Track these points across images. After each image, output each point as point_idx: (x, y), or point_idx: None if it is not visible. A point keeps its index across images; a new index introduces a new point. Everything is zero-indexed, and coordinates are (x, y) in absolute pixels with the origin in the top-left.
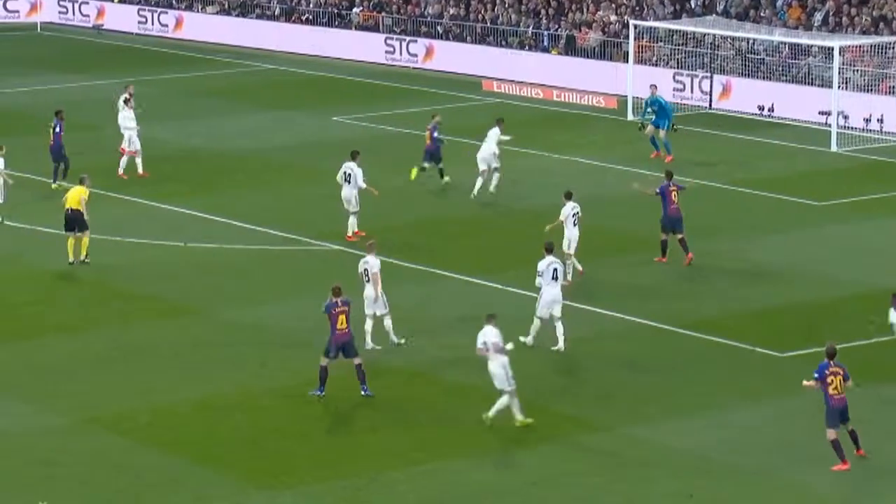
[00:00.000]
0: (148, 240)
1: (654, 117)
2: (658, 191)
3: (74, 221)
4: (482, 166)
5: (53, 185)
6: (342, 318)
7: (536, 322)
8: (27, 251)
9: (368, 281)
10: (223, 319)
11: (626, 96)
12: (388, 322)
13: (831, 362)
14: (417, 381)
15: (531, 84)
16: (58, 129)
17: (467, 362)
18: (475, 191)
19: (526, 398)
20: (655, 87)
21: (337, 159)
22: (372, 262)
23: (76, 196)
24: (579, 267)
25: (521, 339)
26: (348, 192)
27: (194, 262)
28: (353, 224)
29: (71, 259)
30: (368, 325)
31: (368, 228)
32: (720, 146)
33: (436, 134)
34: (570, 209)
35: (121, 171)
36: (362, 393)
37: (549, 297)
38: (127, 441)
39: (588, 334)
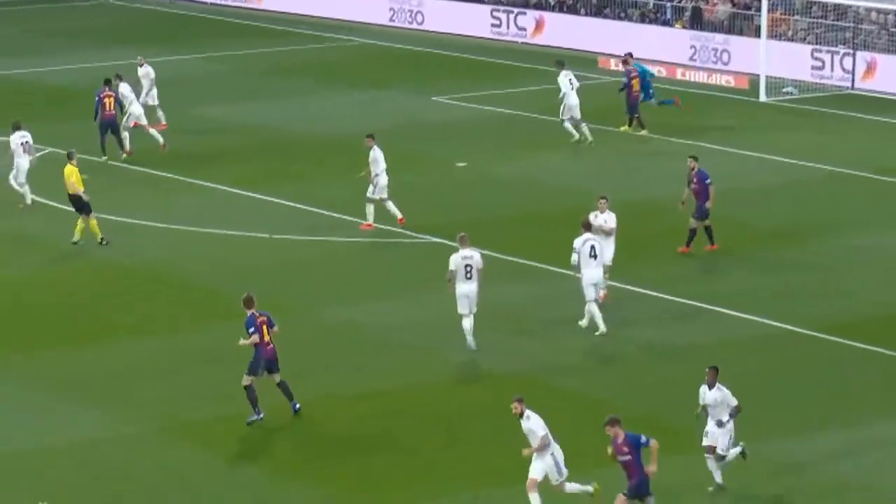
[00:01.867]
0: (230, 231)
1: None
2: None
3: (74, 203)
4: (577, 114)
5: (117, 155)
6: (265, 329)
7: (592, 307)
8: (96, 245)
9: (470, 277)
10: (311, 319)
11: (758, 75)
12: (470, 322)
13: None
14: (525, 388)
15: (652, 61)
16: (113, 99)
17: (574, 369)
18: (589, 137)
19: (644, 413)
20: (631, 55)
21: (436, 143)
22: (476, 258)
23: (68, 176)
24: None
25: (579, 321)
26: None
27: (280, 255)
28: (393, 209)
29: (76, 239)
30: (467, 323)
31: (465, 219)
32: (863, 130)
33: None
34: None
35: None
36: (294, 409)
37: (589, 278)
38: (203, 452)
39: (716, 339)
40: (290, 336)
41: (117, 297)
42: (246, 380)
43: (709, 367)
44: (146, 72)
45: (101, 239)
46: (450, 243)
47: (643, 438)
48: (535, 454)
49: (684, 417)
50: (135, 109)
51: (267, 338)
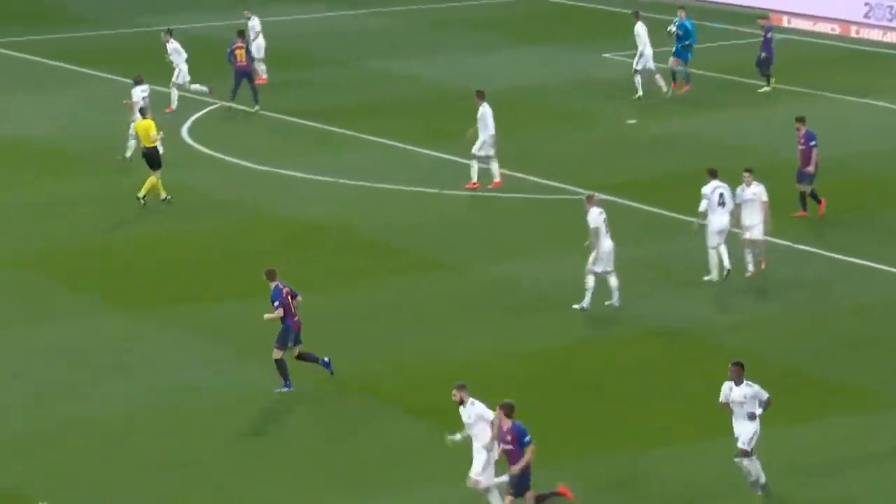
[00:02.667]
0: (401, 186)
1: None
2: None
3: (147, 159)
4: (651, 65)
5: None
6: (290, 301)
7: (712, 254)
8: (275, 198)
9: (608, 233)
10: (475, 276)
11: None
12: (614, 280)
13: None
14: (688, 345)
15: (826, 19)
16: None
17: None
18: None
19: (812, 372)
20: (684, 9)
21: (606, 101)
22: (604, 216)
23: (142, 131)
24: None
25: (706, 277)
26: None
27: (448, 211)
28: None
29: (164, 195)
30: (591, 282)
31: (633, 176)
32: None
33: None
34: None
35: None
36: (329, 367)
37: (718, 225)
38: (370, 405)
39: (881, 298)
40: (455, 291)
41: (287, 251)
42: (276, 353)
43: (732, 362)
44: (253, 24)
45: (166, 196)
46: (617, 200)
47: (527, 438)
48: (478, 446)
49: (862, 376)
50: (185, 67)
51: (293, 309)
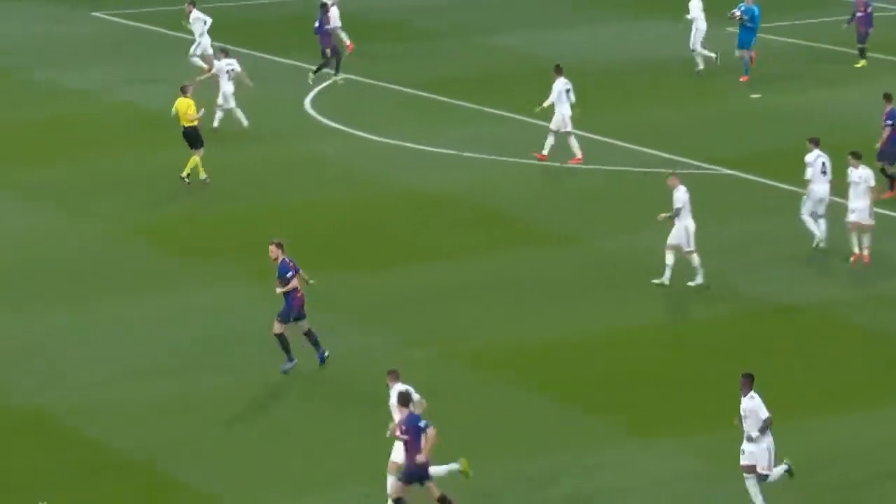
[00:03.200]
0: (524, 159)
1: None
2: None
3: (187, 139)
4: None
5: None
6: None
7: (808, 220)
8: (398, 170)
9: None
10: (595, 249)
11: None
12: (696, 258)
13: None
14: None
15: None
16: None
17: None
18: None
19: None
20: None
21: (732, 75)
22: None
23: (182, 110)
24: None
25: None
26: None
27: (571, 184)
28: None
29: (202, 176)
30: (671, 259)
31: (756, 150)
32: None
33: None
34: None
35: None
36: (322, 358)
37: (819, 194)
38: (485, 377)
39: None
40: (576, 264)
41: (412, 223)
42: (278, 328)
43: (743, 373)
44: None
45: (205, 177)
46: (742, 176)
47: (423, 423)
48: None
49: None
50: (204, 41)
51: (300, 285)
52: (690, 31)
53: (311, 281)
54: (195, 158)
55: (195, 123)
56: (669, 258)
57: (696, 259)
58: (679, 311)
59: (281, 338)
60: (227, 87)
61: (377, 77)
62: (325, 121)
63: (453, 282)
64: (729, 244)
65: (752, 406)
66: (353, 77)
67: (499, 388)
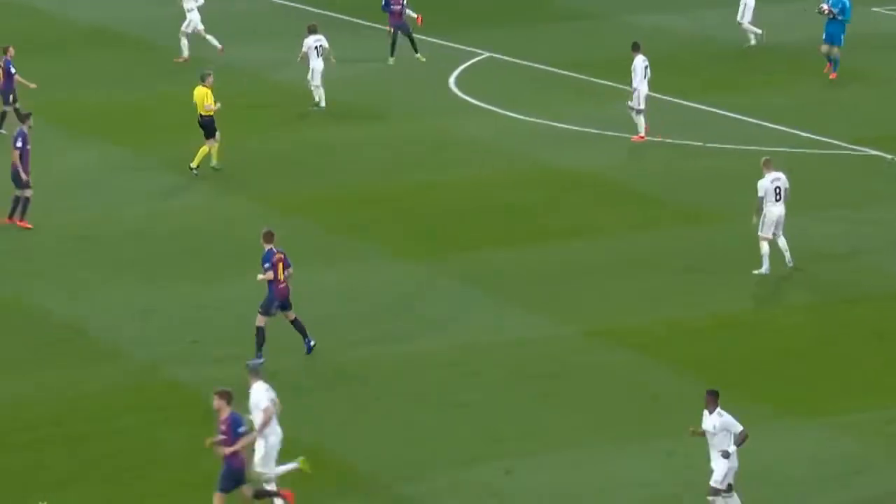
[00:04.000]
0: (666, 138)
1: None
2: None
3: (204, 128)
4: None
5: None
6: (280, 267)
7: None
8: (537, 149)
9: (779, 199)
10: (735, 230)
11: None
12: (783, 241)
13: None
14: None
15: None
16: None
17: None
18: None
19: None
20: None
21: (879, 56)
22: (784, 179)
23: (199, 99)
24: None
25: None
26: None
27: (715, 164)
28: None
29: (214, 163)
30: (766, 248)
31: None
32: None
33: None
34: None
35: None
36: (308, 347)
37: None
38: (632, 355)
39: None
40: (717, 245)
41: (554, 202)
42: (260, 320)
43: (707, 390)
44: None
45: (216, 165)
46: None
47: (242, 428)
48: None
49: None
50: (194, 17)
51: (281, 276)
52: (739, 4)
53: (289, 270)
54: (205, 148)
55: (211, 113)
56: (764, 247)
57: (782, 241)
58: (827, 291)
59: (259, 331)
60: (316, 63)
61: (520, 56)
62: (470, 99)
63: (594, 260)
64: (877, 228)
65: (723, 423)
66: (496, 56)
67: (642, 367)
